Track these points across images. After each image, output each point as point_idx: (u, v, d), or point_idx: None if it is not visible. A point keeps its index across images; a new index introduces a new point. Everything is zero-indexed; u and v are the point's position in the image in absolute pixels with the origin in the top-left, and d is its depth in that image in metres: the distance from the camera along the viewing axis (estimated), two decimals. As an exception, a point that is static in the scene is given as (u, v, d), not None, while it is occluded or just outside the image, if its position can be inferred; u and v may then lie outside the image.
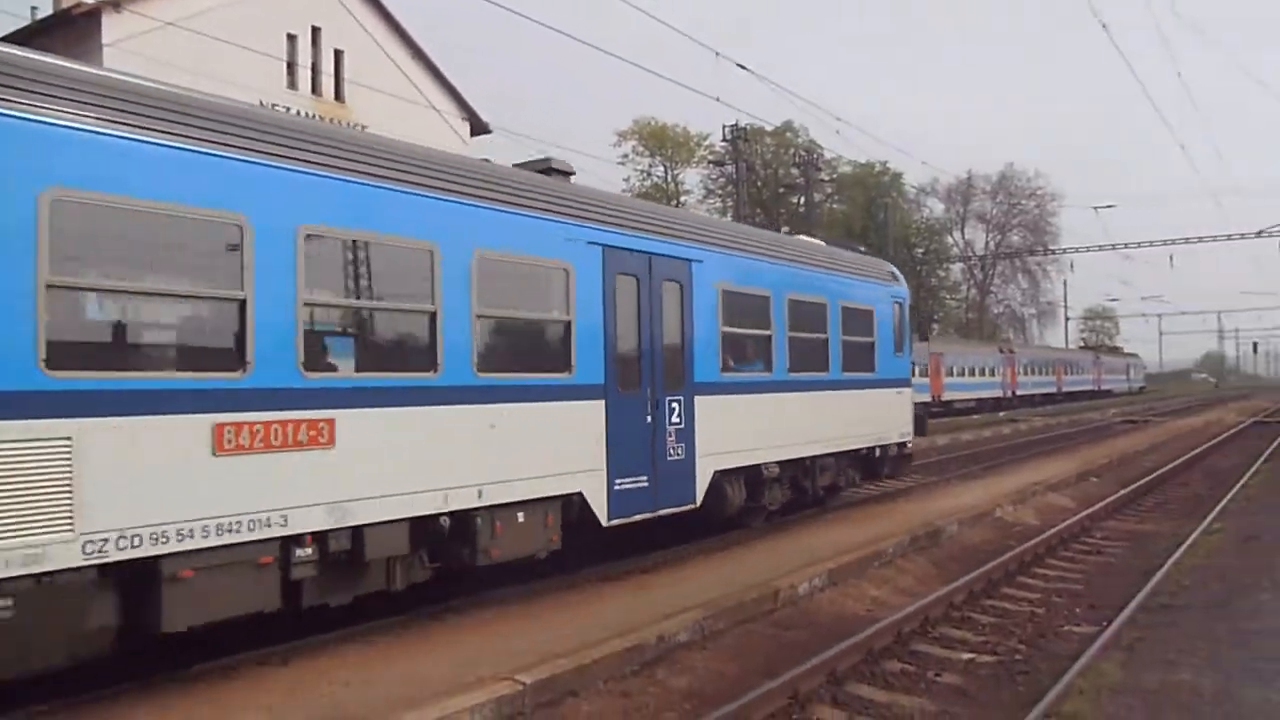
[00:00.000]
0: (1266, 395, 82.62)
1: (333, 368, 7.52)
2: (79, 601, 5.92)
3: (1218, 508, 15.26)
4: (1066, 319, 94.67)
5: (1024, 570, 11.51)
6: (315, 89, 28.43)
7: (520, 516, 8.83)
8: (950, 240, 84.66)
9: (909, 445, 16.64)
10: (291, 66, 27.69)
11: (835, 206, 72.19)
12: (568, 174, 10.78)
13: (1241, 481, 18.62)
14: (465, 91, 32.79)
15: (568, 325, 9.52)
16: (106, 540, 5.88)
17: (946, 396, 47.30)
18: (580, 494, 9.46)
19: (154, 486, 6.16)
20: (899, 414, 16.14)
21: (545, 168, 10.55)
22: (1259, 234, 54.82)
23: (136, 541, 6.04)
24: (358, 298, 7.76)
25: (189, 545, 6.28)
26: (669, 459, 10.69)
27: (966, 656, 8.23)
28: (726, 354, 11.76)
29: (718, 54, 20.16)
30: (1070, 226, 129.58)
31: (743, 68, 21.28)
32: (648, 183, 67.00)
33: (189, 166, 6.55)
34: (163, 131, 6.44)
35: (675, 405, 10.83)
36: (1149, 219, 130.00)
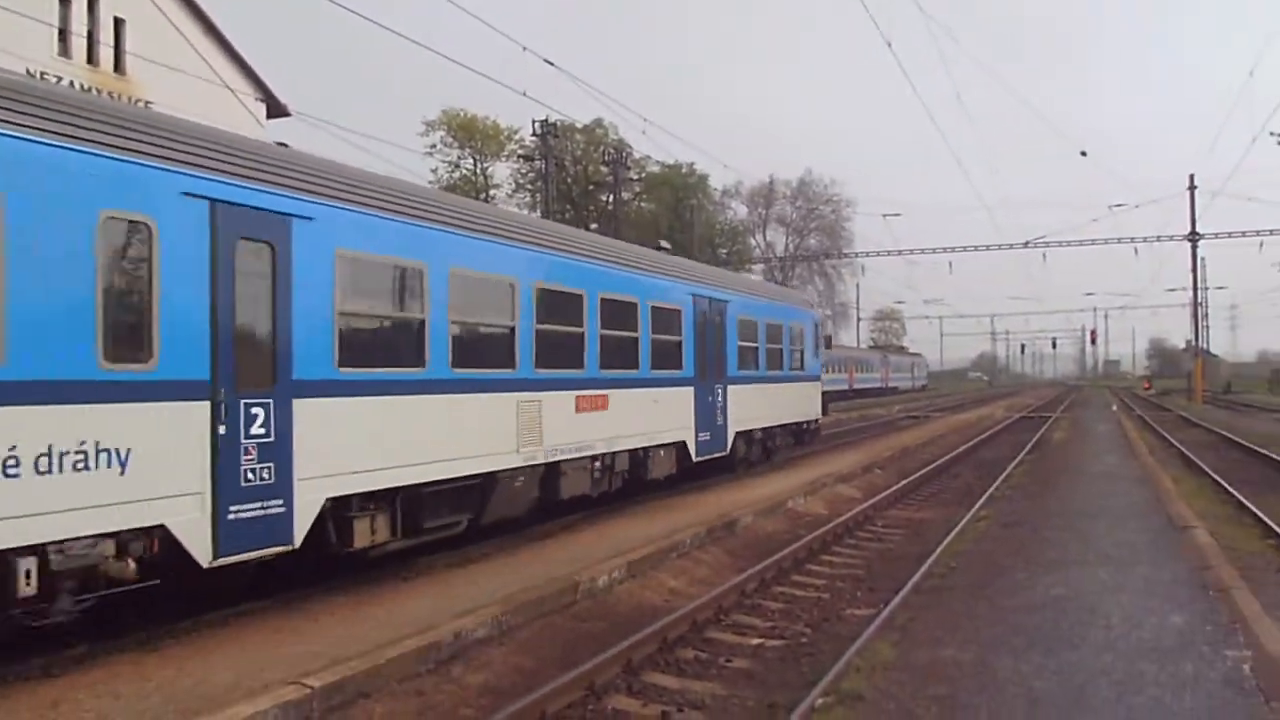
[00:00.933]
0: (1031, 393, 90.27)
1: (611, 366, 13.49)
2: (534, 480, 11.85)
3: (985, 496, 16.52)
4: (859, 320, 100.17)
5: (812, 558, 12.10)
6: (91, 58, 26.35)
7: (662, 453, 15.21)
8: (753, 242, 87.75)
9: (819, 422, 23.73)
10: (64, 33, 25.53)
11: (643, 206, 73.34)
12: None
13: (1006, 472, 20.22)
14: (262, 71, 31.27)
15: (679, 343, 15.87)
16: (550, 453, 11.96)
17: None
18: (683, 442, 15.82)
19: (559, 426, 12.14)
20: (815, 400, 23.17)
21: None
22: (1026, 244, 59.83)
23: (554, 454, 12.06)
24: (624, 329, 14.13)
25: (567, 457, 12.40)
26: (717, 424, 17.11)
27: (756, 641, 8.60)
28: (745, 360, 18.55)
29: (525, 48, 20.08)
30: (862, 232, 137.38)
31: (549, 63, 21.29)
32: (456, 175, 65.89)
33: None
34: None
35: (727, 390, 17.46)
36: (932, 227, 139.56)
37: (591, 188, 64.44)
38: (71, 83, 22.02)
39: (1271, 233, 59.32)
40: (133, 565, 6.97)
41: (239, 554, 7.70)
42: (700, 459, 16.29)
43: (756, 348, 19.14)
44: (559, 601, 9.08)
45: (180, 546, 7.23)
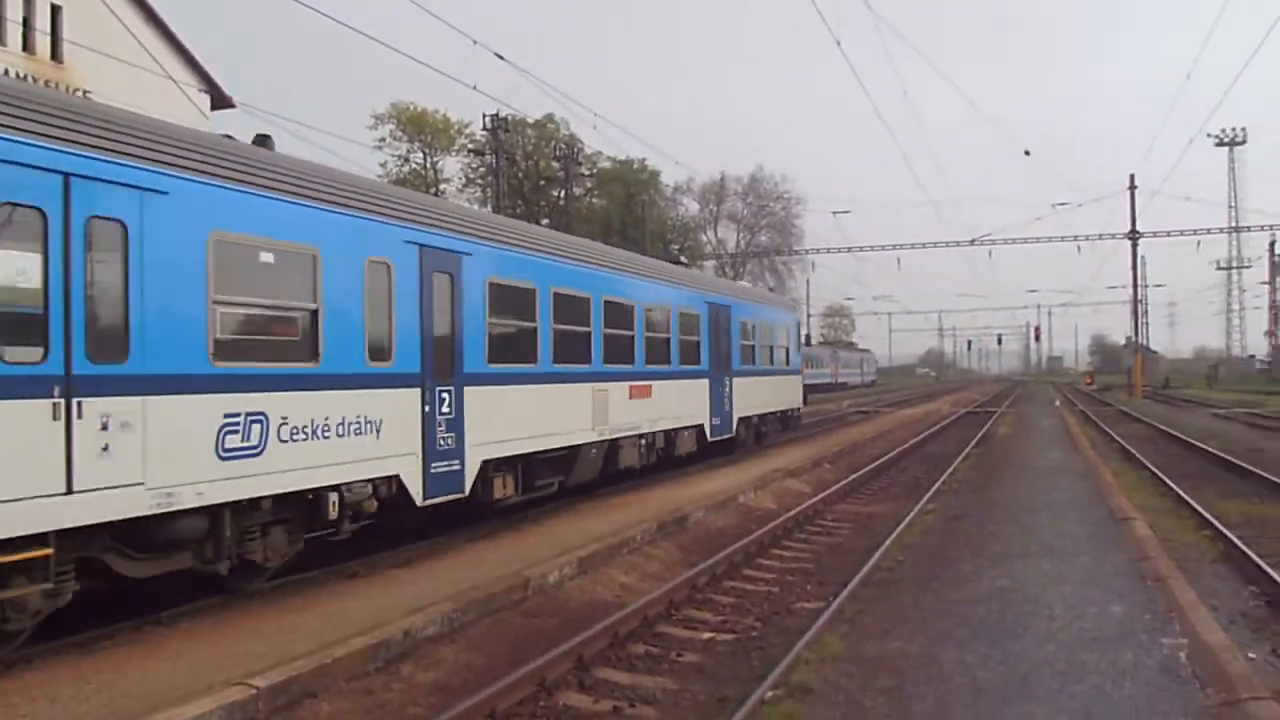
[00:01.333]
0: (978, 388, 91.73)
1: (652, 362, 16.60)
2: (602, 452, 14.77)
3: (932, 490, 16.77)
4: (809, 316, 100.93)
5: (762, 552, 12.18)
6: (27, 46, 25.67)
7: (686, 433, 18.19)
8: (704, 238, 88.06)
9: (800, 410, 27.26)
10: (-1, 19, 24.87)
11: (595, 201, 73.22)
12: None
13: (952, 467, 20.53)
14: (206, 62, 30.70)
15: (698, 342, 18.97)
16: (612, 431, 14.90)
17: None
18: (701, 425, 18.76)
19: (618, 410, 15.05)
20: (798, 391, 26.99)
21: None
22: (972, 242, 60.87)
23: (615, 433, 15.02)
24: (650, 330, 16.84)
25: (623, 434, 15.31)
26: (725, 410, 20.04)
27: (707, 636, 8.63)
28: (745, 356, 21.53)
29: (475, 41, 19.93)
30: (813, 229, 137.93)
31: (500, 57, 21.15)
32: (406, 169, 65.20)
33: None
34: None
35: (733, 382, 20.48)
36: (881, 224, 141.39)
37: (543, 183, 64.17)
38: (6, 70, 21.43)
39: (1209, 231, 60.99)
40: (375, 504, 9.78)
41: (437, 498, 10.68)
42: (713, 440, 19.53)
43: (753, 345, 22.58)
44: (509, 598, 9.04)
45: (406, 491, 10.16)
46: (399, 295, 10.09)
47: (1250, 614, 8.91)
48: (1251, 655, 7.27)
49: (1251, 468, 18.68)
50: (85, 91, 20.99)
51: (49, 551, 6.57)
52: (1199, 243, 58.94)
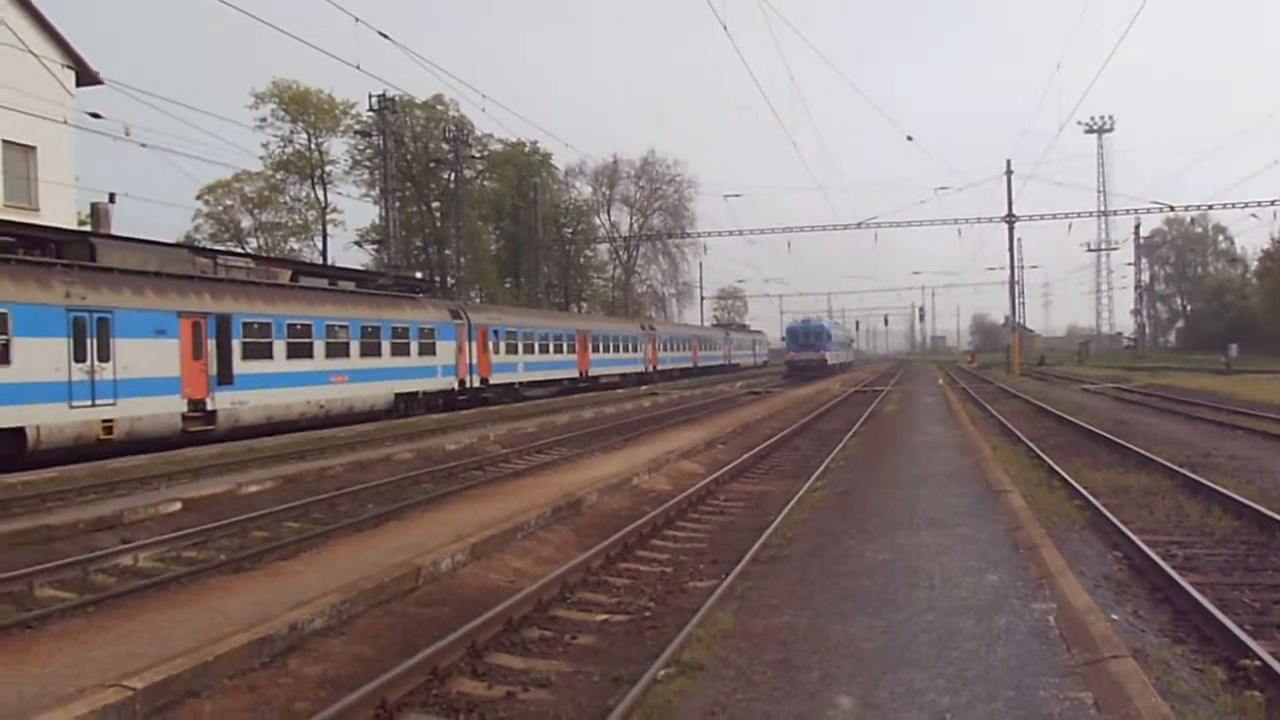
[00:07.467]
0: (866, 368, 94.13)
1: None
2: None
3: (821, 467, 17.16)
4: (702, 298, 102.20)
5: (656, 533, 12.28)
6: None
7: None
8: (598, 221, 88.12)
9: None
10: None
11: (486, 184, 72.43)
12: None
13: (841, 444, 21.05)
14: (71, 37, 29.17)
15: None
16: None
17: (593, 372, 49.30)
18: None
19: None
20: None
21: None
22: (859, 225, 62.38)
23: None
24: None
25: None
26: None
27: (602, 618, 8.68)
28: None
29: (357, 19, 19.43)
30: (705, 213, 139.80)
31: (385, 36, 20.69)
32: (289, 150, 63.28)
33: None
34: None
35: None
36: (771, 208, 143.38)
37: (433, 165, 63.10)
38: None
39: (1079, 215, 63.76)
40: None
41: None
42: None
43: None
44: (400, 588, 8.92)
45: None
46: None
47: (1114, 577, 9.42)
48: (1114, 616, 7.70)
49: (1118, 440, 19.71)
50: (-64, 67, 19.69)
51: None
52: (1070, 225, 61.61)
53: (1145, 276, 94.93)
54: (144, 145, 30.06)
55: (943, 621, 7.19)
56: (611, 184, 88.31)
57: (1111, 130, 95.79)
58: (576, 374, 47.22)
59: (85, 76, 30.18)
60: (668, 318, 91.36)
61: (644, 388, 51.51)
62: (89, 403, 18.67)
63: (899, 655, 6.46)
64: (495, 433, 24.45)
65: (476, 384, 36.09)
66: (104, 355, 19.01)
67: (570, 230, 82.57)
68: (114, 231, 27.59)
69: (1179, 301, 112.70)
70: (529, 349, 41.30)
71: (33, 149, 29.25)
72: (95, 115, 27.29)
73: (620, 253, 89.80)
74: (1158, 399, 33.89)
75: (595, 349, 49.78)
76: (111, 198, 30.92)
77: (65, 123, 28.75)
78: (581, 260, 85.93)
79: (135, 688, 5.95)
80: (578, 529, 12.53)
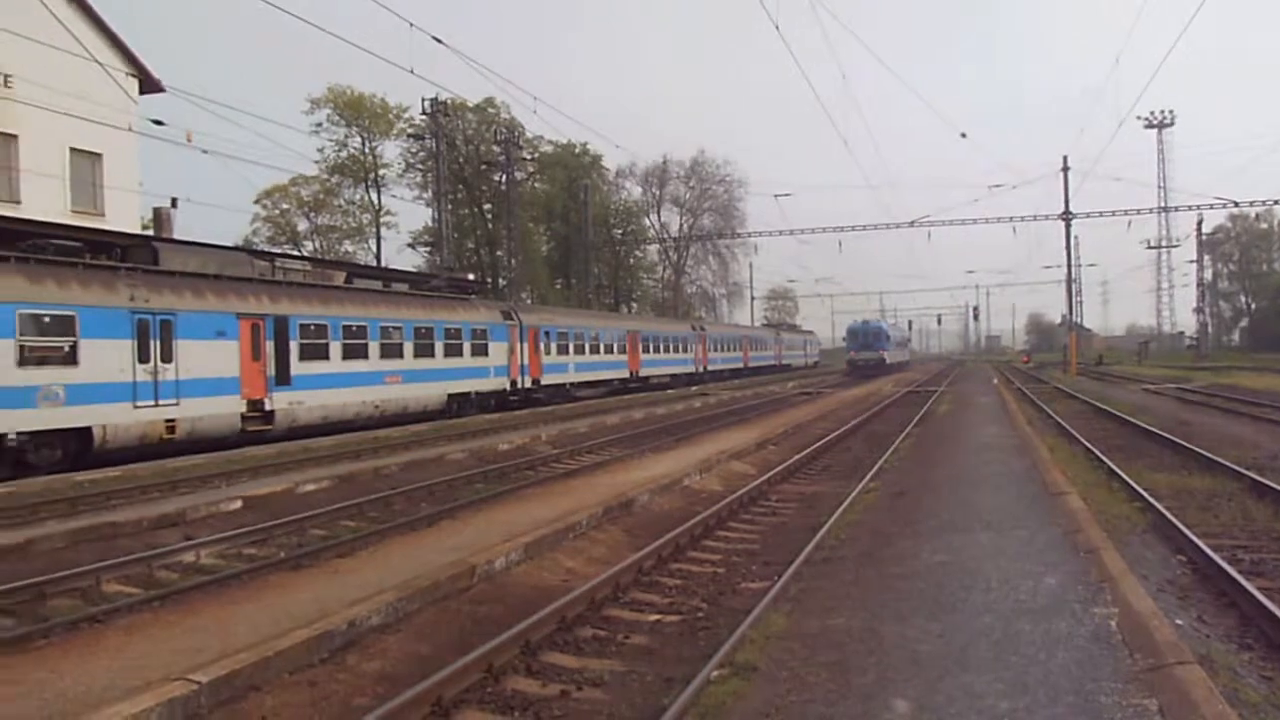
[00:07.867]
0: (919, 368, 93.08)
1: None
2: None
3: (874, 468, 17.01)
4: (752, 298, 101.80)
5: (708, 534, 12.27)
6: (-56, 30, 24.73)
7: None
8: (647, 222, 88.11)
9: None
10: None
11: (537, 186, 72.84)
12: None
13: (894, 445, 20.84)
14: (135, 45, 29.91)
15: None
16: None
17: (643, 372, 49.36)
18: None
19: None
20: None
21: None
22: (912, 224, 61.72)
23: None
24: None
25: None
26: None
27: (654, 618, 8.69)
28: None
29: (412, 24, 19.67)
30: (755, 212, 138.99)
31: (438, 40, 20.92)
32: (343, 154, 64.25)
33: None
34: None
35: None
36: (822, 207, 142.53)
37: (484, 167, 63.61)
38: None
39: (1139, 212, 62.46)
40: None
41: None
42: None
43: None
44: (454, 586, 9.01)
45: None
46: None
47: (1177, 582, 9.20)
48: (1179, 621, 7.52)
49: (1181, 441, 19.23)
50: (7, 77, 20.30)
51: None
52: (1129, 223, 60.60)
53: (1208, 274, 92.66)
54: (205, 151, 30.76)
55: (1001, 624, 7.08)
56: (661, 184, 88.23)
57: (1172, 125, 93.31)
58: (627, 374, 47.31)
59: (148, 84, 30.93)
60: (718, 318, 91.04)
61: (694, 388, 51.38)
62: (152, 403, 19.11)
63: (956, 658, 6.38)
64: (547, 433, 24.59)
65: (528, 385, 36.33)
66: (167, 356, 19.45)
67: (620, 231, 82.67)
68: (176, 235, 28.26)
69: (1243, 299, 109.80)
70: (580, 350, 41.47)
71: (99, 156, 30.04)
72: (158, 122, 27.98)
73: (670, 253, 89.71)
74: (1222, 399, 33.01)
75: (646, 349, 49.84)
76: (174, 202, 31.68)
77: (129, 130, 29.50)
78: (631, 261, 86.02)
79: (200, 681, 6.09)
80: (629, 529, 12.55)
